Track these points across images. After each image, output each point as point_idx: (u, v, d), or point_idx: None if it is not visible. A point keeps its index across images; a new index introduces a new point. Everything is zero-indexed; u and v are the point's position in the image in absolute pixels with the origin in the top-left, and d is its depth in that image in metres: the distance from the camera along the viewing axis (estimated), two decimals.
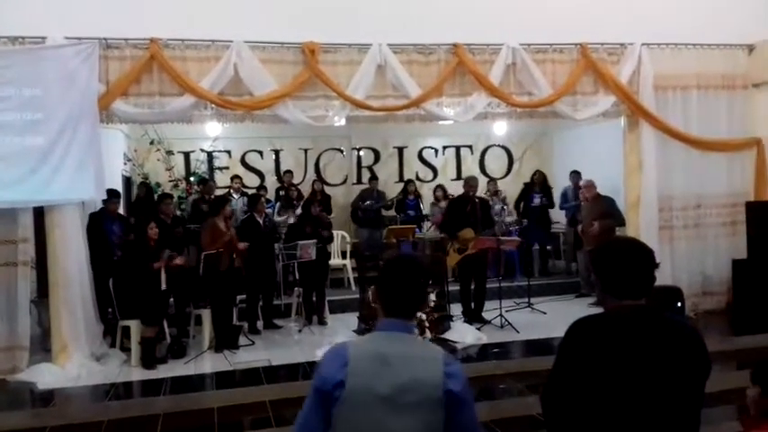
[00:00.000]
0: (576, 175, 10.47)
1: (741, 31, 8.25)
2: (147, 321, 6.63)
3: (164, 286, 6.82)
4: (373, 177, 11.76)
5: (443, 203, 10.20)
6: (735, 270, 7.90)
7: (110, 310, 7.17)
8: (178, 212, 9.52)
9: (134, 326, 6.72)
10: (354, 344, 2.14)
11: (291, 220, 9.31)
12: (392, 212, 11.37)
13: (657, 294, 7.58)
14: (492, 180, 11.23)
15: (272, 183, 11.91)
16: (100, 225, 7.35)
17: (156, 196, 9.23)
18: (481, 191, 9.41)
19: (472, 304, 8.04)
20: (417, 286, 2.18)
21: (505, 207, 10.58)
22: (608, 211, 8.52)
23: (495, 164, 13.10)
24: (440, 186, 11.05)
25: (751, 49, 8.37)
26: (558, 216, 11.01)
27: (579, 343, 2.20)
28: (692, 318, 7.78)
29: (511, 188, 11.82)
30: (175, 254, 7.10)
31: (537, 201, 10.65)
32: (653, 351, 2.12)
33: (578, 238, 9.32)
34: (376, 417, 2.00)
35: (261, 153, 12.22)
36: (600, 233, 8.24)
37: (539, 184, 10.78)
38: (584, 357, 2.15)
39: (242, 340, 7.38)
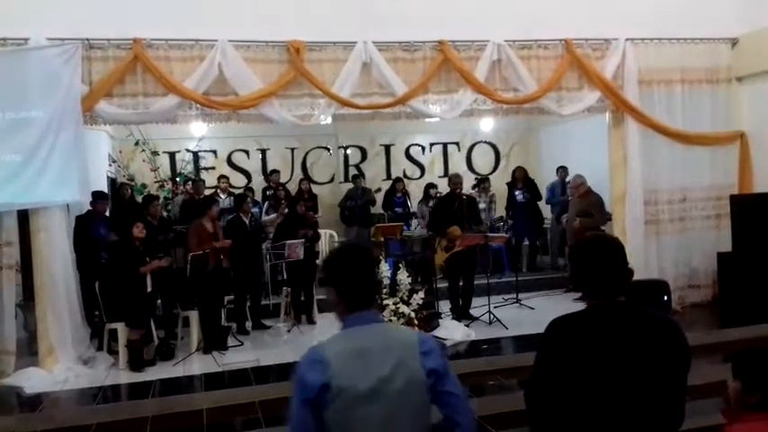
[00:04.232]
0: (563, 170, 10.51)
1: (724, 25, 8.30)
2: (131, 324, 6.59)
3: (149, 288, 6.77)
4: (357, 175, 11.73)
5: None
6: (720, 263, 7.95)
7: (96, 312, 7.11)
8: (165, 213, 9.47)
9: (121, 328, 6.68)
10: (328, 345, 2.11)
11: (280, 220, 9.28)
12: (380, 210, 11.36)
13: (643, 288, 7.65)
14: (482, 179, 11.23)
15: (258, 182, 11.85)
16: (87, 228, 7.29)
17: (141, 198, 9.16)
18: (467, 188, 9.44)
19: (460, 301, 8.05)
20: (372, 273, 2.19)
21: (491, 204, 10.61)
22: (588, 209, 8.55)
23: (482, 160, 13.13)
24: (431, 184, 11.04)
25: (734, 42, 8.42)
26: (547, 211, 11.05)
27: (559, 340, 2.21)
28: (679, 311, 7.84)
29: (498, 184, 11.83)
30: (161, 255, 7.05)
31: (520, 197, 10.67)
32: (632, 345, 2.13)
33: (564, 233, 9.37)
34: (366, 411, 2.02)
35: (247, 153, 12.17)
36: (579, 230, 8.28)
37: (520, 180, 10.80)
38: (564, 354, 2.16)
39: (230, 341, 7.36)
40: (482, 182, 10.95)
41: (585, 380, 2.12)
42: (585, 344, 2.15)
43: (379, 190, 11.40)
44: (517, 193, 10.70)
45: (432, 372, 2.09)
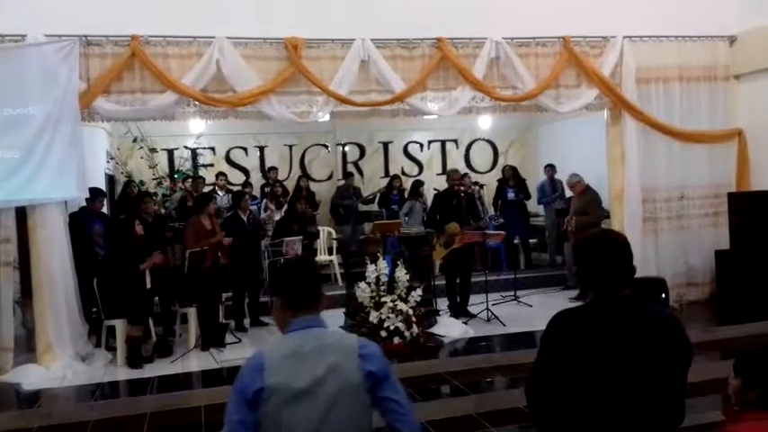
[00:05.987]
0: (550, 168, 10.52)
1: (722, 23, 8.30)
2: (132, 320, 6.59)
3: (148, 285, 6.77)
4: (351, 173, 11.74)
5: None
6: (718, 261, 7.96)
7: (94, 309, 7.11)
8: (162, 211, 9.45)
9: (119, 325, 6.68)
10: (267, 349, 2.21)
11: (277, 217, 9.28)
12: (375, 207, 11.36)
13: (642, 286, 7.67)
14: (461, 176, 11.22)
15: (257, 179, 11.84)
16: (81, 224, 7.28)
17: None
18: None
19: (458, 298, 8.06)
20: (315, 282, 2.31)
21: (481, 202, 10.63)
22: (584, 206, 8.56)
23: (481, 158, 13.14)
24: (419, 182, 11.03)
25: (732, 40, 8.42)
26: (537, 208, 11.06)
27: (560, 335, 2.21)
28: (677, 309, 7.84)
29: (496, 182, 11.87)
30: (158, 252, 7.05)
31: (512, 195, 10.69)
32: (634, 340, 2.14)
33: (566, 232, 9.38)
34: (299, 410, 2.07)
35: (245, 150, 12.16)
36: (576, 229, 8.29)
37: (511, 178, 10.81)
38: (565, 349, 2.17)
39: (228, 338, 7.35)
40: (461, 178, 10.94)
41: (587, 373, 2.12)
42: (588, 337, 2.15)
43: (383, 189, 11.38)
44: (509, 191, 10.72)
45: (370, 374, 2.14)
